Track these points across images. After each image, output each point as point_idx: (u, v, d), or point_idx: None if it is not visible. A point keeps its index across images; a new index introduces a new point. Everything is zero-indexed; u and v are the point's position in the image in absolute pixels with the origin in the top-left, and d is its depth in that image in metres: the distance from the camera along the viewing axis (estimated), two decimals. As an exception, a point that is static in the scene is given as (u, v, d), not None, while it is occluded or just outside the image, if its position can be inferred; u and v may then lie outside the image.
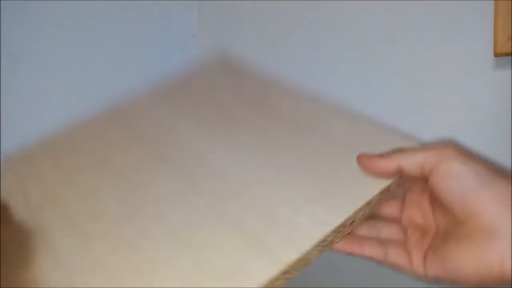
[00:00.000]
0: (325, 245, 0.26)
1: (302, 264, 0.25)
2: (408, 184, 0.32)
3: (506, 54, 0.39)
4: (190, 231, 0.27)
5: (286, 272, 0.24)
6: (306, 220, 0.27)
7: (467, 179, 0.26)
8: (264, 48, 0.62)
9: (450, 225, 0.27)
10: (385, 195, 0.29)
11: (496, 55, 0.40)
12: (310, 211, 0.28)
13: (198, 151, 0.34)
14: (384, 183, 0.29)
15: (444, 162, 0.27)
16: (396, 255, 0.30)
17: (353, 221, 0.27)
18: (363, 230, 0.32)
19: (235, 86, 0.45)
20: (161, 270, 0.24)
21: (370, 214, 0.30)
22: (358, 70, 0.52)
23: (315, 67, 0.56)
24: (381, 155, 0.29)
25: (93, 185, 0.32)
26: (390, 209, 0.33)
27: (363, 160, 0.30)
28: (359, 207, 0.27)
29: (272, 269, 0.24)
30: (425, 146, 0.29)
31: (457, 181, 0.26)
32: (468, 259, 0.25)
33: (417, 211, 0.31)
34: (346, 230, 0.27)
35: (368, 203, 0.28)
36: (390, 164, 0.29)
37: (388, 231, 0.32)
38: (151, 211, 0.29)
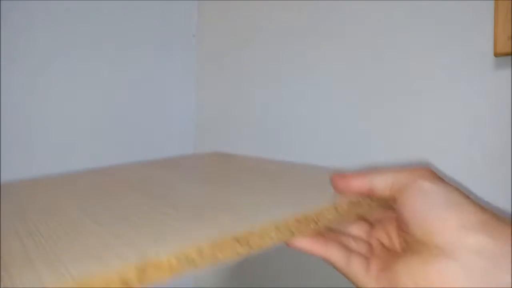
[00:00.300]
0: (286, 232, 0.26)
1: (257, 242, 0.24)
2: (379, 211, 0.32)
3: (506, 54, 0.39)
4: (140, 215, 0.28)
5: (235, 239, 0.23)
6: (267, 210, 0.27)
7: (434, 198, 0.26)
8: (263, 48, 0.62)
9: (408, 244, 0.27)
10: (354, 209, 0.29)
11: (496, 55, 0.40)
12: (273, 207, 0.28)
13: (175, 186, 0.37)
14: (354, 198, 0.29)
15: (415, 181, 0.27)
16: (356, 264, 0.30)
17: (318, 219, 0.27)
18: (331, 237, 0.32)
19: (222, 161, 0.51)
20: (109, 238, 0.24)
21: (339, 223, 0.30)
22: (359, 66, 0.52)
23: (309, 62, 0.56)
24: (355, 175, 0.29)
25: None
26: (359, 231, 0.33)
27: (337, 179, 0.30)
28: (325, 206, 0.27)
29: (220, 234, 0.23)
30: (398, 168, 0.28)
31: (424, 198, 0.26)
32: (412, 272, 0.25)
33: (384, 235, 0.31)
34: (311, 226, 0.27)
35: (336, 209, 0.28)
36: (363, 183, 0.29)
37: (354, 245, 0.32)
38: (110, 207, 0.31)
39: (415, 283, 0.25)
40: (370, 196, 0.29)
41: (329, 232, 0.32)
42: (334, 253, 0.30)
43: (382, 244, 0.31)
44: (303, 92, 0.57)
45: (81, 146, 0.60)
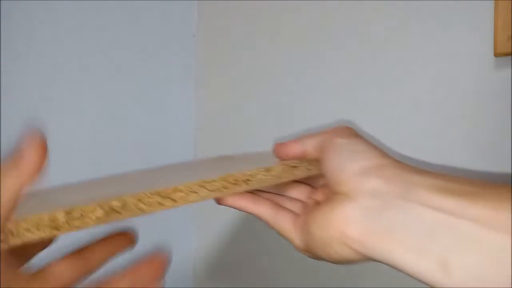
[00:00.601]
0: (212, 190, 0.27)
1: (181, 196, 0.26)
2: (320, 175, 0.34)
3: (506, 54, 0.39)
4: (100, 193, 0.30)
5: (158, 193, 0.25)
6: (203, 176, 0.29)
7: (343, 151, 0.28)
8: (263, 48, 0.63)
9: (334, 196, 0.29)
10: (290, 171, 0.31)
11: (496, 55, 0.40)
12: (212, 175, 0.30)
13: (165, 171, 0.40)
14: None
15: (332, 139, 0.29)
16: (284, 219, 0.31)
17: (249, 180, 0.29)
18: (264, 196, 0.33)
19: (217, 160, 0.54)
20: None
21: (277, 185, 0.32)
22: (355, 67, 0.52)
23: (307, 62, 0.56)
24: (291, 141, 0.31)
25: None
26: (299, 194, 0.34)
27: (278, 147, 0.32)
28: (255, 168, 0.29)
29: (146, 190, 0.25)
30: (324, 130, 0.31)
31: (336, 153, 0.28)
32: (320, 220, 0.27)
33: (322, 196, 0.32)
34: (241, 185, 0.29)
35: (268, 170, 0.30)
36: (299, 147, 0.31)
37: (289, 204, 0.33)
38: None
39: (322, 230, 0.27)
40: (303, 159, 0.31)
41: (265, 193, 0.33)
42: (262, 208, 0.32)
43: (316, 202, 0.32)
44: (304, 92, 0.57)
45: (80, 146, 0.60)
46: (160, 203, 0.25)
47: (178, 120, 0.71)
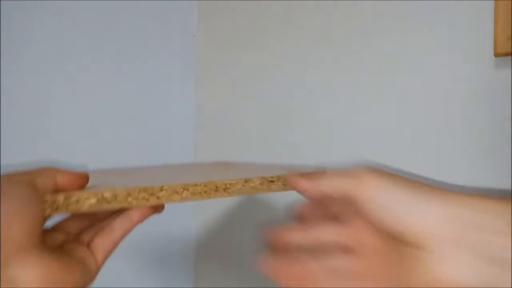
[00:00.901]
0: (194, 193, 0.31)
1: (165, 195, 0.30)
2: (337, 204, 0.30)
3: (506, 54, 0.39)
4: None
5: (144, 190, 0.29)
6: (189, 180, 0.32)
7: (397, 202, 0.28)
8: (263, 48, 0.63)
9: (398, 245, 0.28)
10: (268, 185, 0.34)
11: (496, 55, 0.40)
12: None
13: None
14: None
15: (367, 190, 0.28)
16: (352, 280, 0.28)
17: (228, 188, 0.32)
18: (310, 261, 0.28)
19: (219, 163, 0.58)
20: None
21: (251, 193, 0.35)
22: (361, 72, 0.52)
23: (308, 66, 0.56)
24: (306, 176, 0.32)
25: None
26: (334, 233, 0.29)
27: (290, 178, 0.33)
28: (235, 178, 0.32)
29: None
30: (342, 171, 0.31)
31: (388, 200, 0.28)
32: (421, 277, 0.27)
33: (361, 234, 0.29)
34: (221, 192, 0.32)
35: (246, 181, 0.33)
36: (311, 187, 0.31)
37: (337, 260, 0.28)
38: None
39: (429, 283, 0.27)
40: (317, 197, 0.31)
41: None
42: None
43: (363, 244, 0.28)
44: (304, 92, 0.57)
45: (80, 145, 0.60)
46: (145, 199, 0.29)
47: (178, 120, 0.71)
